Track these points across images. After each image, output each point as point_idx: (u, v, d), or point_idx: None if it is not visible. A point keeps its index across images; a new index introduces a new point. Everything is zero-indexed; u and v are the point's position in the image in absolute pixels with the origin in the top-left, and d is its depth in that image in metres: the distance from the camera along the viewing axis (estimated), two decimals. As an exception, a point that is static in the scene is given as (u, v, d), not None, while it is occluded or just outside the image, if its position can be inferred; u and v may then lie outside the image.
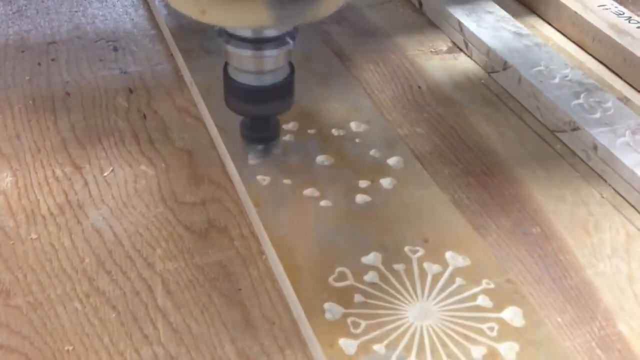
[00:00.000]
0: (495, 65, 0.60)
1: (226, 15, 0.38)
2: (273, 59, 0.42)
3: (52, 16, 0.67)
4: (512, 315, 0.38)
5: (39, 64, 0.60)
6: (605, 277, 0.43)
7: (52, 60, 0.61)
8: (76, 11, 0.68)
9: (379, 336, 0.37)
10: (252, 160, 0.48)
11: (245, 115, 0.46)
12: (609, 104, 0.54)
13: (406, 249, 0.42)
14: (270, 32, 0.41)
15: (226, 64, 0.44)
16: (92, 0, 0.69)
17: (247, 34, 0.41)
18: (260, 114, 0.45)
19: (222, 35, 0.42)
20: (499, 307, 0.39)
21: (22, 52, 0.61)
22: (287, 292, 0.41)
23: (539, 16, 0.70)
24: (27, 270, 0.42)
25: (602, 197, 0.49)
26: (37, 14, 0.67)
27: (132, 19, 0.67)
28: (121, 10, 0.68)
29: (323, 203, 0.45)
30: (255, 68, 0.42)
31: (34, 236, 0.44)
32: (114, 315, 0.40)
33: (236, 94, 0.44)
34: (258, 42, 0.41)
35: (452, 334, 0.37)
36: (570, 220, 0.47)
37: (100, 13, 0.67)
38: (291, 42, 0.43)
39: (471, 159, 0.52)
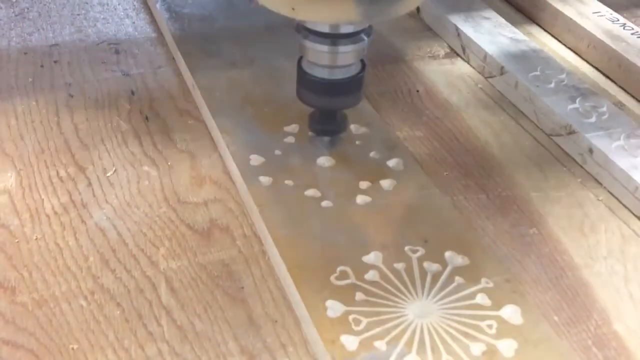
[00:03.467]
0: (493, 70, 0.61)
1: (315, 11, 0.40)
2: (348, 55, 0.44)
3: (54, 19, 0.67)
4: (510, 313, 0.39)
5: (42, 66, 0.61)
6: (601, 277, 0.44)
7: (55, 62, 0.61)
8: (78, 14, 0.68)
9: (380, 333, 0.38)
10: (254, 161, 0.48)
11: (315, 107, 0.47)
12: (604, 109, 0.55)
13: (406, 248, 0.43)
14: (348, 28, 0.43)
15: (300, 57, 0.46)
16: (94, 4, 0.70)
17: (325, 29, 0.43)
18: (329, 107, 0.47)
19: (301, 30, 0.44)
20: (497, 305, 0.39)
21: (25, 54, 0.62)
22: (289, 291, 0.41)
23: (535, 22, 0.71)
24: (32, 268, 0.42)
25: (598, 199, 0.50)
26: (39, 17, 0.68)
27: (134, 22, 0.67)
28: (122, 13, 0.69)
29: (324, 204, 0.46)
30: (330, 63, 0.44)
31: (38, 235, 0.45)
32: (118, 312, 0.40)
33: (308, 86, 0.46)
34: (335, 38, 0.43)
35: (452, 331, 0.38)
36: (566, 221, 0.48)
37: (102, 16, 0.68)
38: (366, 39, 0.44)
39: (469, 161, 0.53)
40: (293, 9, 0.40)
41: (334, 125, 0.48)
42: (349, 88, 0.46)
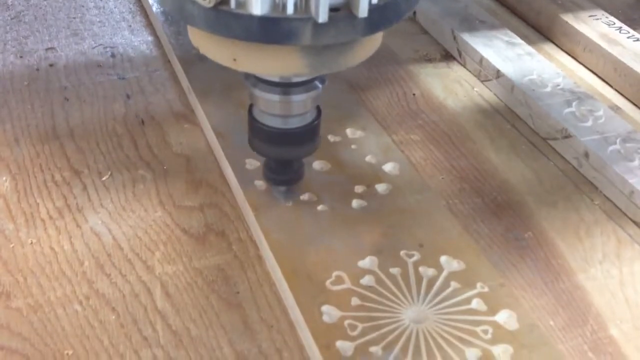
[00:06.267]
0: (489, 73, 0.61)
1: (258, 63, 0.37)
2: (301, 104, 0.42)
3: (50, 22, 0.67)
4: (505, 318, 0.39)
5: (37, 69, 0.61)
6: (596, 282, 0.44)
7: (51, 65, 0.61)
8: (74, 17, 0.68)
9: (376, 338, 0.37)
10: (250, 165, 0.48)
11: (269, 157, 0.45)
12: (600, 112, 0.55)
13: (402, 253, 0.43)
14: (300, 77, 0.40)
15: (251, 105, 0.43)
16: (90, 7, 0.70)
17: (276, 78, 0.40)
18: (284, 157, 0.44)
19: (249, 78, 0.41)
20: (493, 310, 0.39)
21: (21, 57, 0.62)
22: (284, 295, 0.41)
23: (531, 26, 0.71)
24: (27, 273, 0.42)
25: (594, 203, 0.50)
26: (35, 20, 0.67)
27: (130, 26, 0.67)
28: (119, 16, 0.69)
29: (320, 208, 0.46)
30: (282, 112, 0.42)
31: (33, 239, 0.44)
32: (113, 317, 0.40)
33: (261, 136, 0.43)
34: (286, 87, 0.41)
35: (447, 336, 0.38)
36: (562, 225, 0.48)
37: (98, 19, 0.68)
38: (320, 86, 0.42)
39: (465, 165, 0.53)
40: (234, 60, 0.37)
41: (289, 174, 0.45)
42: (304, 137, 0.43)
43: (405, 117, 0.58)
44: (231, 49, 0.37)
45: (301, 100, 0.41)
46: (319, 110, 0.44)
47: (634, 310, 0.42)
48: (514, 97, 0.59)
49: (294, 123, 0.42)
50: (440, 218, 0.45)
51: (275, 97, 0.41)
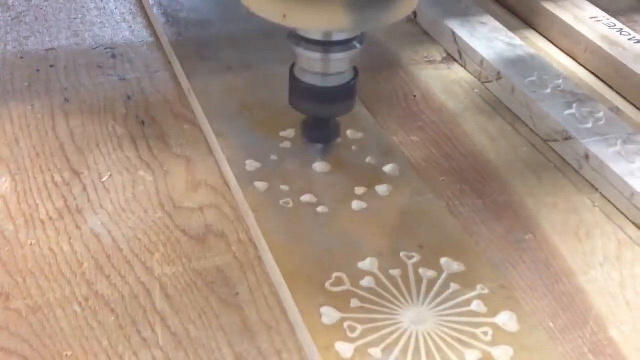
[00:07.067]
0: (489, 75, 0.61)
1: (306, 19, 0.41)
2: (341, 62, 0.45)
3: (50, 23, 0.67)
4: (506, 320, 0.39)
5: (38, 70, 0.61)
6: (596, 284, 0.44)
7: (51, 66, 0.61)
8: (75, 18, 0.68)
9: (375, 340, 0.37)
10: (250, 166, 0.48)
11: (308, 114, 0.48)
12: (601, 114, 0.55)
13: (402, 254, 0.42)
14: (341, 36, 0.44)
15: (293, 64, 0.46)
16: (91, 8, 0.70)
17: (318, 36, 0.43)
18: (323, 115, 0.47)
19: (292, 37, 0.44)
20: (493, 312, 0.39)
21: (21, 58, 0.62)
22: (284, 297, 0.41)
23: (532, 27, 0.71)
24: (26, 274, 0.42)
25: (594, 205, 0.50)
26: (35, 21, 0.67)
27: (131, 27, 0.67)
28: (119, 17, 0.69)
29: (320, 209, 0.45)
30: (322, 70, 0.45)
31: (33, 241, 0.44)
32: (112, 318, 0.40)
33: (301, 93, 0.46)
34: (327, 45, 0.44)
35: (447, 338, 0.38)
36: (562, 227, 0.48)
37: (99, 20, 0.68)
38: (359, 46, 0.45)
39: (465, 166, 0.53)
40: (284, 16, 0.41)
41: (327, 132, 0.49)
42: (341, 95, 0.46)
43: (405, 118, 0.57)
44: (281, 5, 0.41)
45: (340, 59, 0.44)
46: (356, 71, 0.47)
47: (635, 312, 0.42)
48: (514, 99, 0.58)
49: (333, 82, 0.45)
50: (441, 219, 0.45)
51: (317, 55, 0.44)
